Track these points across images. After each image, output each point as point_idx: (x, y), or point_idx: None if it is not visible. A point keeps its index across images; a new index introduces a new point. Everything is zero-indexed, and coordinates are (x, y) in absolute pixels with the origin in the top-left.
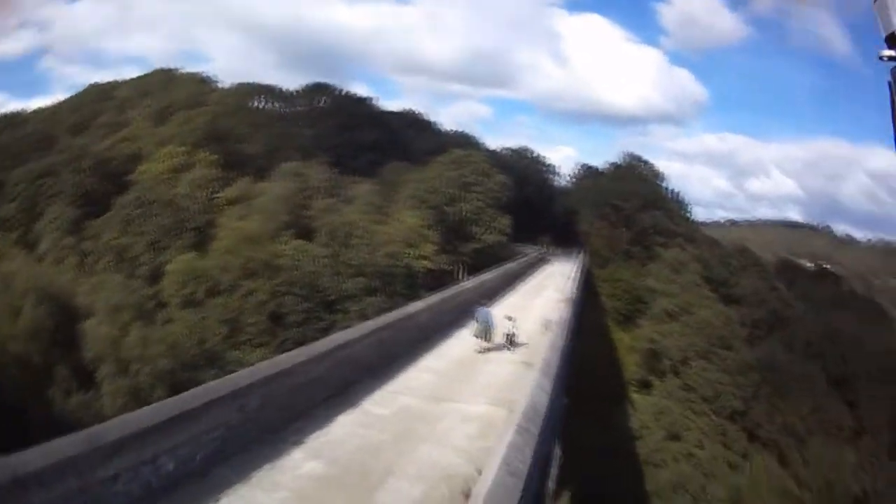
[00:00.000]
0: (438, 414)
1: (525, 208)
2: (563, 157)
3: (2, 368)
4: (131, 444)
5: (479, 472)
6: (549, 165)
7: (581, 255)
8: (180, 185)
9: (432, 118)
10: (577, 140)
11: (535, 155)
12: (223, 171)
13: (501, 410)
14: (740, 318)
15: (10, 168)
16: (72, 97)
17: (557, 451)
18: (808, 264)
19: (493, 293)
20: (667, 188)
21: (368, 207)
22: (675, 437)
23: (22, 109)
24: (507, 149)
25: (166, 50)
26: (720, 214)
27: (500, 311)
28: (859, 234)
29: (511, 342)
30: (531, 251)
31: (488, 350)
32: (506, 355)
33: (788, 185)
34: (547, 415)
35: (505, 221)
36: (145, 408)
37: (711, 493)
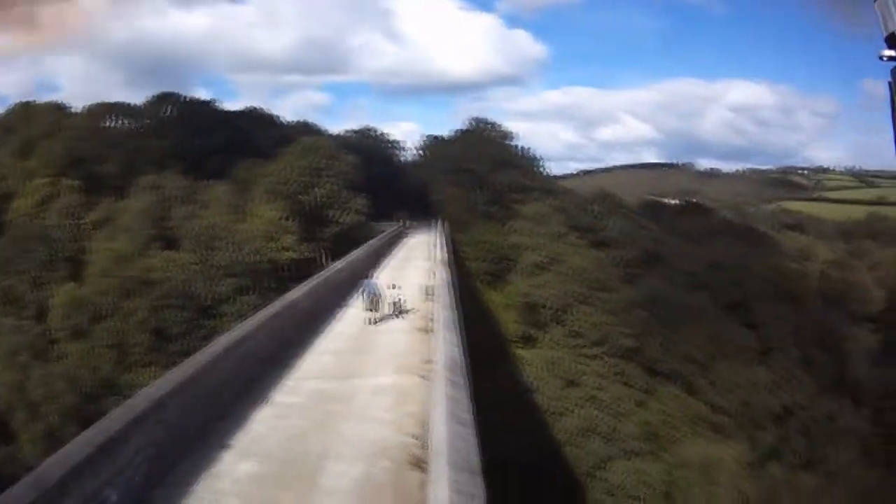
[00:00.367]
0: (349, 391)
1: (376, 187)
2: (406, 132)
3: None
4: (74, 481)
5: (416, 438)
6: (393, 142)
7: (439, 224)
8: (49, 216)
9: (273, 112)
10: (417, 114)
11: (378, 133)
12: (86, 196)
13: (411, 377)
14: (613, 260)
15: None
16: None
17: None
18: (673, 201)
19: (365, 270)
20: (516, 146)
21: (226, 208)
22: (572, 383)
23: None
24: (351, 131)
25: (22, 83)
26: (573, 166)
27: (381, 283)
28: (726, 167)
29: (399, 310)
30: (389, 227)
31: (380, 320)
32: (396, 324)
33: (643, 129)
34: (466, 367)
35: (360, 201)
36: (74, 440)
37: (623, 431)
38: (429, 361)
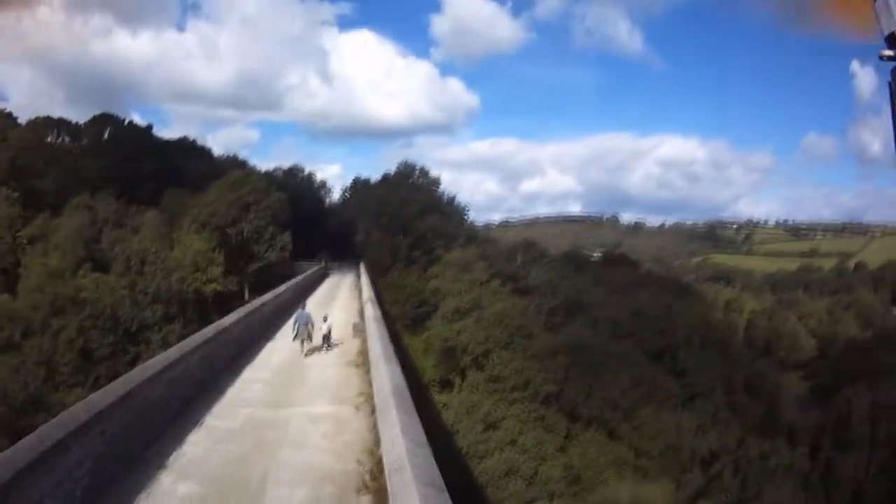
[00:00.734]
0: (285, 419)
1: (300, 226)
2: (330, 175)
3: None
4: (16, 489)
5: (361, 464)
6: (320, 182)
7: (362, 266)
8: None
9: (205, 144)
10: (342, 157)
11: (306, 173)
12: (24, 209)
13: (346, 407)
14: (535, 307)
15: None
16: None
17: None
18: (596, 254)
19: (291, 305)
20: (443, 193)
21: (156, 235)
22: (493, 426)
23: None
24: (279, 169)
25: None
26: (494, 217)
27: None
28: (653, 220)
29: (328, 343)
30: (312, 267)
31: (311, 351)
32: (326, 357)
33: (566, 182)
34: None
35: (286, 238)
36: (16, 445)
37: (545, 474)
38: (362, 394)
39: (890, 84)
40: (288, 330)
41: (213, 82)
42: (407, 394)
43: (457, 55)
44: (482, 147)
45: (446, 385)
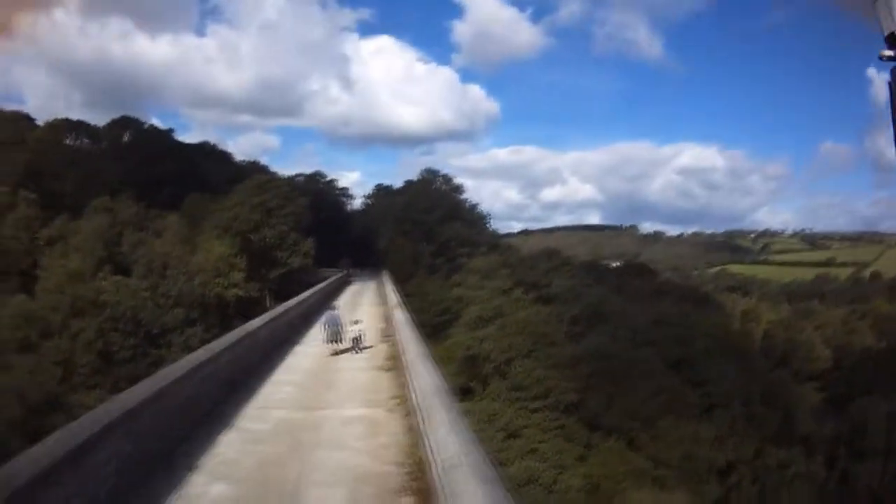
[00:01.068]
0: (318, 421)
1: (322, 233)
2: (350, 181)
3: None
4: (42, 489)
5: (402, 465)
6: (342, 189)
7: (385, 273)
8: (5, 227)
9: (224, 149)
10: (362, 164)
11: (328, 179)
12: (43, 210)
13: (379, 410)
14: (557, 316)
15: None
16: None
17: None
18: (615, 263)
19: (316, 311)
20: (465, 200)
21: (178, 239)
22: (514, 435)
23: None
24: (301, 174)
25: None
26: (514, 225)
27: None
28: (672, 230)
29: (358, 346)
30: (334, 273)
31: (340, 353)
32: (356, 361)
33: (587, 191)
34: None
35: (309, 245)
36: (43, 442)
37: (565, 483)
38: (394, 397)
39: (890, 84)
40: (314, 335)
41: (233, 87)
42: (450, 393)
43: (478, 61)
44: (503, 154)
45: (467, 393)
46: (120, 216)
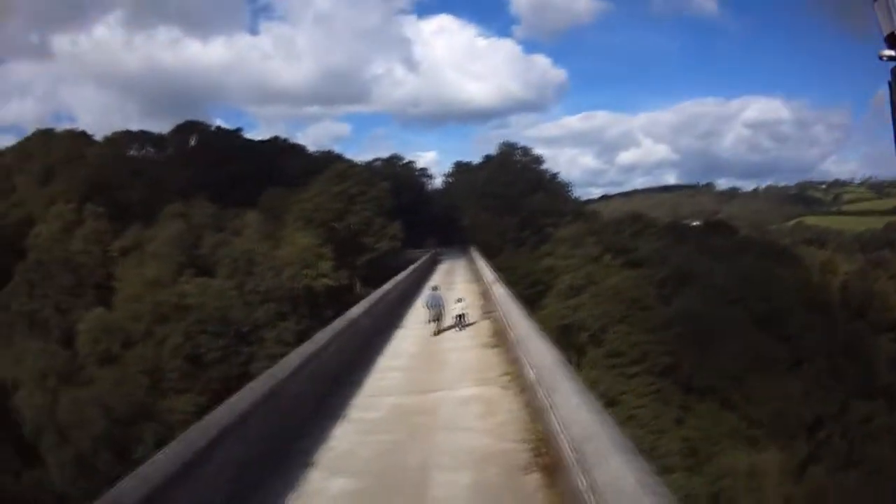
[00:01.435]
0: (433, 404)
1: (405, 214)
2: (428, 161)
3: None
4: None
5: (526, 442)
6: (421, 170)
7: (473, 250)
8: (74, 242)
9: (296, 143)
10: (436, 143)
11: (405, 162)
12: (111, 223)
13: (493, 388)
14: (647, 279)
15: None
16: None
17: None
18: (695, 223)
19: (411, 294)
20: (546, 171)
21: (259, 235)
22: (613, 402)
23: None
24: (378, 159)
25: (37, 114)
26: (593, 192)
27: (445, 296)
28: (746, 185)
29: (462, 323)
30: (421, 254)
31: (443, 331)
32: (460, 341)
33: (661, 151)
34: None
35: (396, 228)
36: (155, 457)
37: (663, 448)
38: (506, 374)
39: (890, 84)
40: (413, 317)
41: (295, 81)
42: (568, 366)
43: (539, 31)
44: (575, 122)
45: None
46: (195, 219)
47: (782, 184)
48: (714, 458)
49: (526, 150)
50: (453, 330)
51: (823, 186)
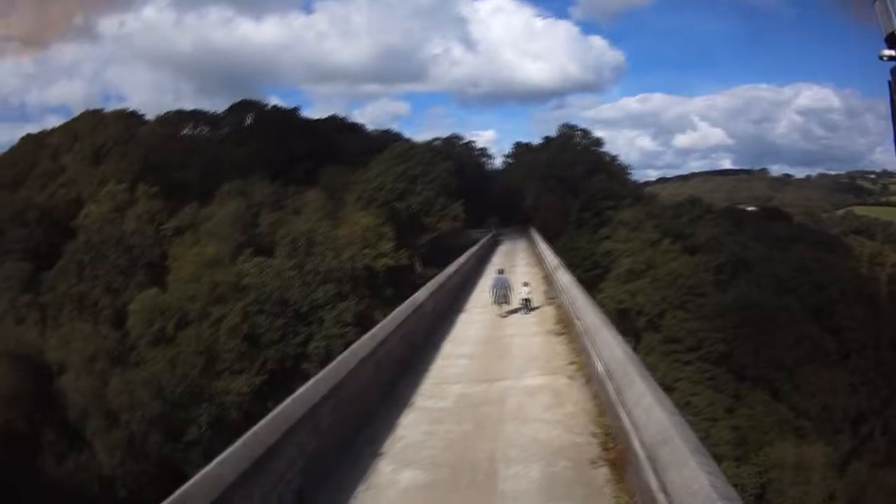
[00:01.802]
0: (500, 394)
1: (465, 194)
2: (486, 140)
3: None
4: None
5: (595, 436)
6: (480, 149)
7: (534, 231)
8: (127, 222)
9: (354, 121)
10: (496, 123)
11: (465, 141)
12: (166, 202)
13: (560, 378)
14: (704, 265)
15: None
16: (6, 153)
17: None
18: (750, 208)
19: (473, 275)
20: (606, 153)
21: (319, 214)
22: (668, 389)
23: None
24: (438, 138)
25: (85, 95)
26: (651, 174)
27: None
28: (798, 173)
29: (528, 306)
30: (482, 234)
31: (509, 313)
32: (525, 328)
33: (717, 135)
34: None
35: (458, 208)
36: (225, 455)
37: (715, 436)
38: (572, 363)
39: (890, 84)
40: (475, 300)
41: (352, 59)
42: (640, 362)
43: (596, 12)
44: (632, 103)
45: None
46: (254, 198)
47: (833, 172)
48: (763, 448)
49: (586, 133)
50: (520, 313)
51: (872, 176)
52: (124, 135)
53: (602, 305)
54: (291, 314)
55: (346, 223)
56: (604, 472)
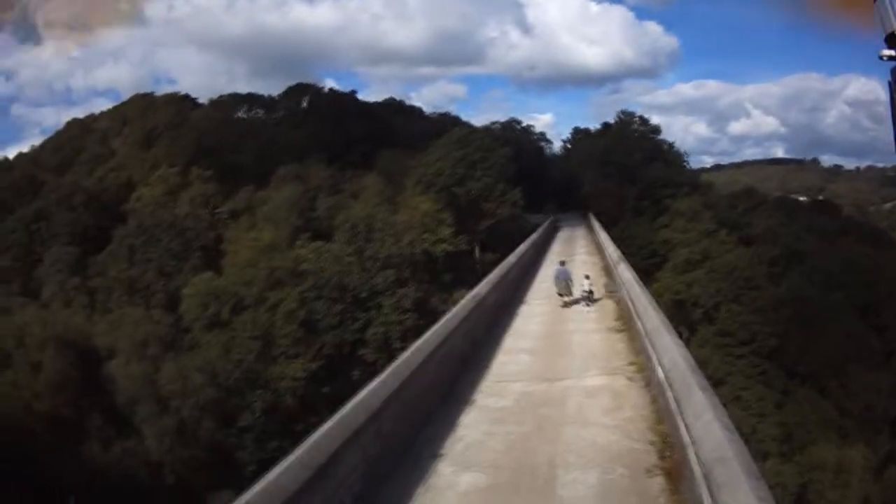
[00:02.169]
0: (560, 394)
1: (524, 179)
2: (544, 124)
3: (29, 432)
4: None
5: (653, 444)
6: (539, 134)
7: (592, 218)
8: (180, 206)
9: (412, 104)
10: (553, 106)
11: (524, 125)
12: (220, 185)
13: (619, 379)
14: (759, 257)
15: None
16: (52, 137)
17: None
18: (802, 198)
19: (533, 264)
20: (664, 141)
21: (377, 199)
22: (720, 382)
23: (3, 159)
24: (496, 122)
25: (133, 78)
26: (706, 160)
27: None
28: (847, 164)
29: (590, 299)
30: (541, 219)
31: (570, 304)
32: (585, 324)
33: (770, 123)
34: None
35: (517, 194)
36: (285, 463)
37: (762, 432)
38: (632, 363)
39: (890, 84)
40: (535, 291)
41: (408, 41)
42: (701, 372)
43: None
44: (687, 90)
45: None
46: (311, 181)
47: (881, 165)
48: (807, 446)
49: (644, 120)
50: (581, 304)
51: None
52: (176, 118)
53: (658, 295)
54: (350, 300)
55: (405, 208)
56: (659, 481)
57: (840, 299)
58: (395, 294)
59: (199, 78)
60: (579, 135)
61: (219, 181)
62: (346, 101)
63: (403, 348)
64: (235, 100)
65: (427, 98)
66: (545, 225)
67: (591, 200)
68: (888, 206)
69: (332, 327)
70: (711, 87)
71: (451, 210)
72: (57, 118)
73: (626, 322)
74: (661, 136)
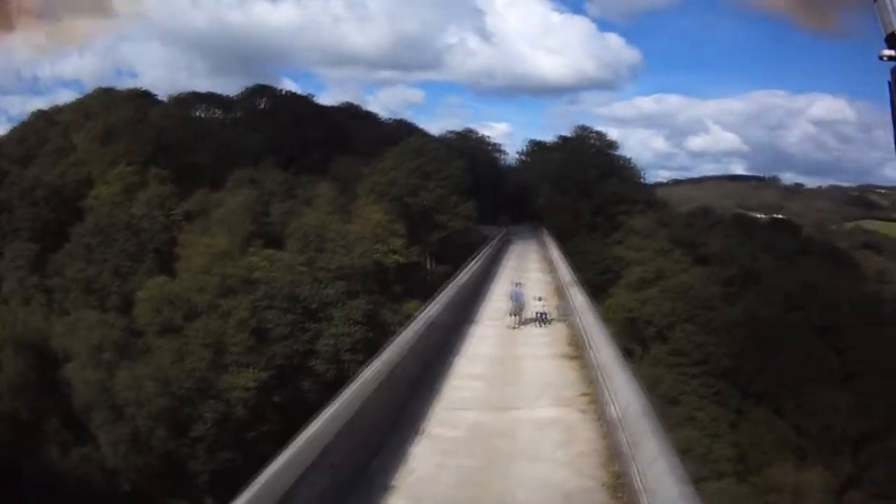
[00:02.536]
0: (511, 425)
1: (479, 190)
2: (499, 133)
3: None
4: None
5: (601, 482)
6: (494, 144)
7: (546, 233)
8: (136, 205)
9: (367, 108)
10: (510, 115)
11: (479, 136)
12: (176, 186)
13: (571, 411)
14: (714, 277)
15: None
16: (16, 127)
17: None
18: (760, 216)
19: (483, 280)
20: (620, 156)
21: (330, 207)
22: (674, 402)
23: None
24: (451, 132)
25: (97, 70)
26: (663, 175)
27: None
28: (809, 182)
29: (543, 320)
30: (494, 231)
31: (522, 324)
32: (537, 349)
33: (730, 140)
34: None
35: (469, 207)
36: (240, 499)
37: (716, 452)
38: (584, 394)
39: (890, 84)
40: (486, 311)
41: (368, 44)
42: (655, 415)
43: (613, 10)
44: (646, 103)
45: (628, 355)
46: (265, 186)
47: (845, 184)
48: (763, 467)
49: (601, 135)
50: (533, 324)
51: (883, 191)
52: (136, 115)
53: (611, 312)
54: (301, 310)
55: (357, 217)
56: None
57: (799, 319)
58: (346, 306)
59: (161, 72)
60: (535, 147)
61: (175, 181)
62: (303, 105)
63: (353, 360)
64: (195, 98)
65: (385, 102)
66: (496, 240)
67: (546, 213)
68: (850, 225)
69: (283, 337)
70: (672, 101)
71: (403, 221)
72: (23, 107)
73: (578, 349)
74: (619, 151)
